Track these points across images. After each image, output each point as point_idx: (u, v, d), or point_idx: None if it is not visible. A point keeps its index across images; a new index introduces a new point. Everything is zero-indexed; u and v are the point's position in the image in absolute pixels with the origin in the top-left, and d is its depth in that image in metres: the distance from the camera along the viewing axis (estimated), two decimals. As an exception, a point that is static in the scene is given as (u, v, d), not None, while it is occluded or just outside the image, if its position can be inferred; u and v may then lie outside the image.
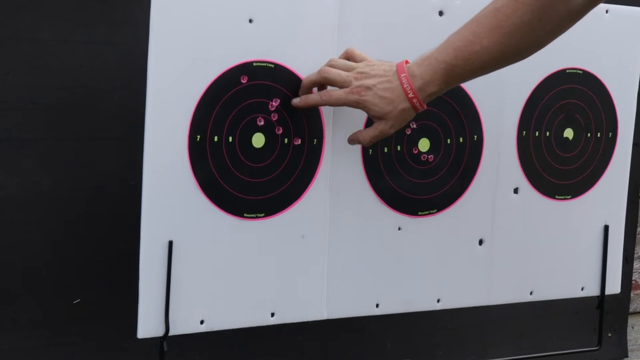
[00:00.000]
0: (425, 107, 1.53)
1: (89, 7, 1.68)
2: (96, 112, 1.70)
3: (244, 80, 1.52)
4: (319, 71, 1.55)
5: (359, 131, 1.57)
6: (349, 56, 1.58)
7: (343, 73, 1.54)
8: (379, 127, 1.53)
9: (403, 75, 1.51)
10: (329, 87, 1.56)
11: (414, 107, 1.52)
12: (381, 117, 1.52)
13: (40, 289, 1.69)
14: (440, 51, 1.50)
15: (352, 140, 1.57)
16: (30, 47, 1.64)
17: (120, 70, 1.70)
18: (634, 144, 2.02)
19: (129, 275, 1.51)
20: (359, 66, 1.54)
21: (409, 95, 1.50)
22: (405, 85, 1.50)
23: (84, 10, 1.68)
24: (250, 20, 1.52)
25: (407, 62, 1.53)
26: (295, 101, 1.56)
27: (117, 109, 1.71)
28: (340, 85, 1.54)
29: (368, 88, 1.51)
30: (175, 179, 1.49)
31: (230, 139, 1.52)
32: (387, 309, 1.71)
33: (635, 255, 2.41)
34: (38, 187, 1.67)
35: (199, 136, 1.50)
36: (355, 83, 1.52)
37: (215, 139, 1.51)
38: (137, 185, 1.48)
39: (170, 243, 1.49)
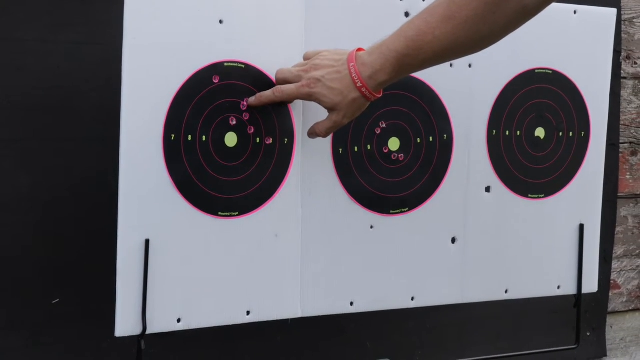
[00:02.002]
0: (378, 95, 1.53)
1: (68, 7, 1.69)
2: (75, 113, 1.71)
3: (215, 80, 1.54)
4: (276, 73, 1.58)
5: (316, 124, 1.57)
6: (306, 58, 1.59)
7: (294, 69, 1.56)
8: (332, 118, 1.54)
9: (352, 64, 1.50)
10: None
11: (364, 96, 1.52)
12: (333, 108, 1.53)
13: (18, 289, 1.70)
14: (392, 40, 1.49)
15: (311, 133, 1.58)
16: (9, 47, 1.65)
17: (99, 70, 1.70)
18: (612, 144, 2.03)
19: (108, 275, 1.52)
20: (312, 59, 1.55)
21: (358, 85, 1.50)
22: (353, 75, 1.50)
23: (63, 10, 1.69)
24: (221, 21, 1.54)
25: (360, 49, 1.53)
26: (251, 100, 1.57)
27: (95, 109, 1.71)
28: (292, 80, 1.55)
29: (317, 80, 1.52)
30: (151, 178, 1.51)
31: (204, 138, 1.54)
32: (361, 307, 1.72)
33: (614, 255, 2.41)
34: (16, 187, 1.68)
35: (173, 135, 1.52)
36: (306, 76, 1.53)
37: (189, 138, 1.53)
38: (115, 185, 1.49)
39: (147, 242, 1.50)
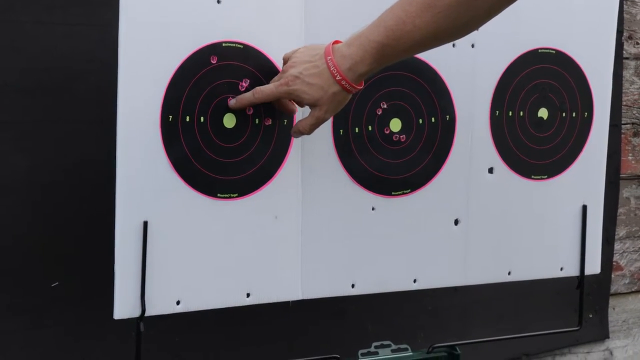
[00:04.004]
0: (359, 87, 1.49)
1: (64, -12, 1.68)
2: (72, 94, 1.70)
3: (213, 61, 1.53)
4: None
5: (298, 122, 1.54)
6: (285, 59, 1.56)
7: None
8: (314, 115, 1.51)
9: (329, 58, 1.47)
10: None
11: (344, 89, 1.48)
12: (314, 104, 1.50)
13: (18, 272, 1.69)
14: (371, 30, 1.45)
15: (295, 132, 1.55)
16: (5, 29, 1.64)
17: (96, 51, 1.70)
18: (614, 125, 2.02)
19: (107, 258, 1.51)
20: (290, 58, 1.52)
21: (337, 78, 1.47)
22: (332, 69, 1.47)
23: (59, -9, 1.68)
24: (218, 1, 1.52)
25: (337, 42, 1.49)
26: (232, 102, 1.55)
27: (93, 90, 1.71)
28: (271, 80, 1.53)
29: (296, 77, 1.49)
30: (148, 160, 1.49)
31: (202, 119, 1.53)
32: (362, 289, 1.71)
33: (616, 237, 2.41)
34: (14, 169, 1.67)
35: (171, 116, 1.50)
36: (284, 75, 1.51)
37: (187, 119, 1.52)
38: (113, 166, 1.48)
39: (145, 223, 1.49)
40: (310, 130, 1.53)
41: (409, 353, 1.74)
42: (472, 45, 1.74)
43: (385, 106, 1.68)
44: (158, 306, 1.53)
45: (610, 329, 2.44)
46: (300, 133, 1.55)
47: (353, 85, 1.48)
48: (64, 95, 1.69)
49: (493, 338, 2.03)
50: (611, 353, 2.46)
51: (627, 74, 2.38)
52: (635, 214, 2.45)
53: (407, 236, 1.74)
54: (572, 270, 1.91)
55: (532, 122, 1.83)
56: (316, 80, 1.48)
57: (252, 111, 1.56)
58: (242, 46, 1.55)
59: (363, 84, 1.51)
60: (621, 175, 2.39)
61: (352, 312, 2.01)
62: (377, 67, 1.48)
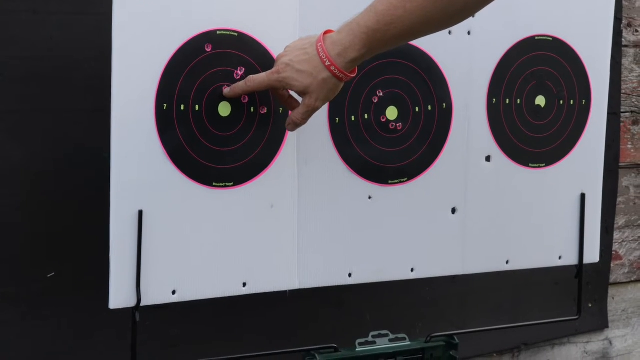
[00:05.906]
0: (351, 74, 1.48)
1: (59, -23, 1.67)
2: (67, 84, 1.70)
3: (208, 49, 1.52)
4: None
5: (291, 113, 1.54)
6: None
7: None
8: (305, 103, 1.50)
9: (319, 44, 1.46)
10: None
11: (334, 75, 1.47)
12: (304, 92, 1.49)
13: (13, 262, 1.69)
14: (362, 16, 1.44)
15: (289, 124, 1.54)
16: (0, 18, 1.63)
17: (91, 40, 1.69)
18: (613, 114, 2.00)
19: (103, 247, 1.50)
20: (284, 48, 1.52)
21: (326, 64, 1.46)
22: (321, 54, 1.46)
23: (54, -19, 1.67)
24: (213, -12, 1.53)
25: (329, 31, 1.48)
26: (226, 91, 1.54)
27: (88, 80, 1.70)
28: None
29: (286, 64, 1.48)
30: (143, 148, 1.49)
31: (197, 107, 1.52)
32: (360, 278, 1.71)
33: (616, 226, 2.40)
34: (10, 159, 1.67)
35: (165, 105, 1.50)
36: (276, 64, 1.50)
37: (182, 107, 1.51)
38: (109, 156, 1.48)
39: (140, 213, 1.49)
40: (302, 119, 1.52)
41: (407, 342, 1.73)
42: (469, 33, 1.74)
43: (381, 94, 1.68)
44: (154, 296, 1.52)
45: (610, 318, 2.43)
46: (294, 125, 1.53)
47: (343, 72, 1.47)
48: (59, 85, 1.69)
49: (491, 327, 2.03)
50: (610, 342, 2.46)
51: (626, 61, 2.37)
52: (635, 203, 2.44)
53: (404, 225, 1.73)
54: (571, 259, 1.91)
55: (530, 109, 1.82)
56: (306, 67, 1.47)
57: (247, 99, 1.56)
58: (236, 34, 1.54)
59: (356, 72, 1.50)
60: (620, 164, 2.38)
61: (350, 302, 2.01)
62: (368, 53, 1.46)
